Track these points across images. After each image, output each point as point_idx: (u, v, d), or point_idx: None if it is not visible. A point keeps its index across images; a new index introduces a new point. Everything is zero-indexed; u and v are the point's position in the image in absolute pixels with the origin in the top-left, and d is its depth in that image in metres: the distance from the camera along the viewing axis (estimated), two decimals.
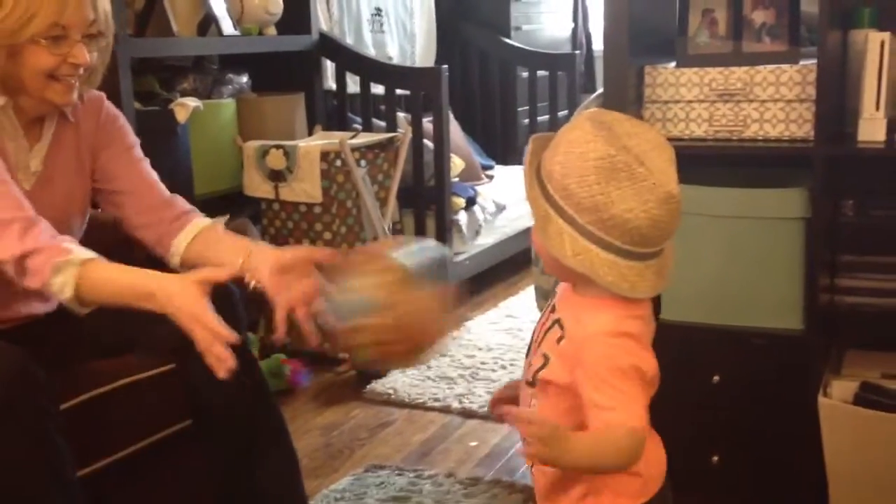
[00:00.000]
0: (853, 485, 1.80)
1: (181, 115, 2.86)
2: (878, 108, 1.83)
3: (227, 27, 3.12)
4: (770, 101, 1.93)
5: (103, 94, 1.86)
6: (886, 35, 1.83)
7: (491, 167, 4.37)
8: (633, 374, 1.20)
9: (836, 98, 1.93)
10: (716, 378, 1.99)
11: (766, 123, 1.94)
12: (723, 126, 1.97)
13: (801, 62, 1.92)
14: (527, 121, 4.76)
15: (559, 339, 1.25)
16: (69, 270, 1.56)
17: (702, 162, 2.13)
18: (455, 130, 3.99)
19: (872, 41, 1.84)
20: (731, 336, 1.97)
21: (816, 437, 1.81)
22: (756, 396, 1.96)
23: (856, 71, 1.91)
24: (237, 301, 1.91)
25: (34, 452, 1.53)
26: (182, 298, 1.55)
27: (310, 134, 3.34)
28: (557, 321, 1.27)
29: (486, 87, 4.78)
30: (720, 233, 1.97)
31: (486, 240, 3.79)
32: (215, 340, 1.52)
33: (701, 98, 1.99)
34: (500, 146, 4.73)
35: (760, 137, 1.94)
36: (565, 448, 1.16)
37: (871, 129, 1.83)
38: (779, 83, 1.91)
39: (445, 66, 3.48)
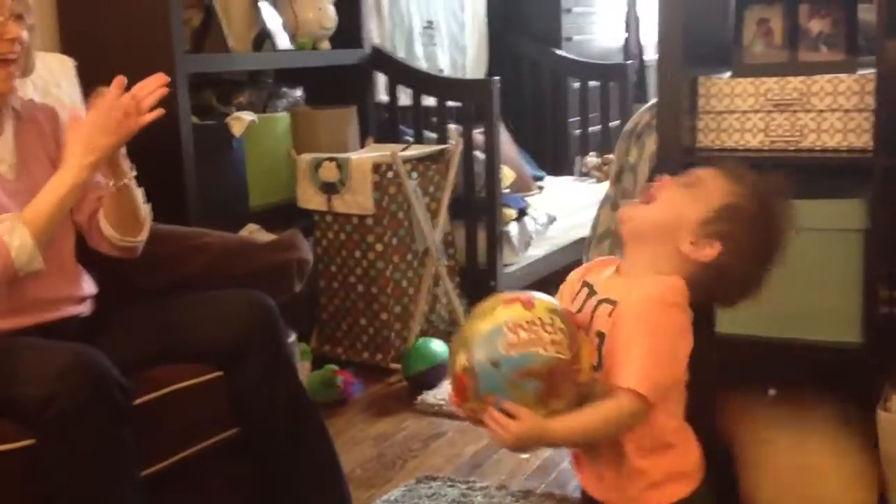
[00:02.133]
0: None
1: (237, 129, 2.91)
2: None
3: (282, 42, 3.17)
4: (828, 110, 1.89)
5: (55, 106, 1.98)
6: None
7: (542, 178, 4.36)
8: (666, 342, 1.26)
9: (895, 108, 1.89)
10: (771, 391, 1.96)
11: (823, 133, 1.91)
12: (779, 136, 1.94)
13: (859, 71, 1.89)
14: (578, 132, 4.75)
15: (610, 314, 1.26)
16: (15, 224, 1.68)
17: (758, 173, 2.11)
18: (506, 142, 4.00)
19: None
20: (788, 349, 1.94)
21: (875, 451, 1.77)
22: (811, 407, 1.92)
23: None
24: (276, 315, 1.95)
25: (110, 451, 1.60)
26: (79, 148, 1.73)
27: (362, 146, 3.37)
28: (605, 300, 1.29)
29: (537, 98, 4.78)
30: None
31: (537, 251, 3.78)
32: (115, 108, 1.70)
33: (756, 108, 1.96)
34: (552, 157, 4.72)
35: (818, 148, 1.91)
36: (543, 438, 1.26)
37: None
38: (836, 93, 1.88)
39: (497, 77, 3.49)
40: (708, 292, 1.37)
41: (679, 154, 2.00)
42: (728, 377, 2.01)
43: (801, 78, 1.91)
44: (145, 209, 1.94)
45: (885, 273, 1.89)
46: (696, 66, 2.01)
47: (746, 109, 1.97)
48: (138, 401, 1.71)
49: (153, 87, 1.76)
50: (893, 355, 1.96)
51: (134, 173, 1.88)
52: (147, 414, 1.73)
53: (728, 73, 2.02)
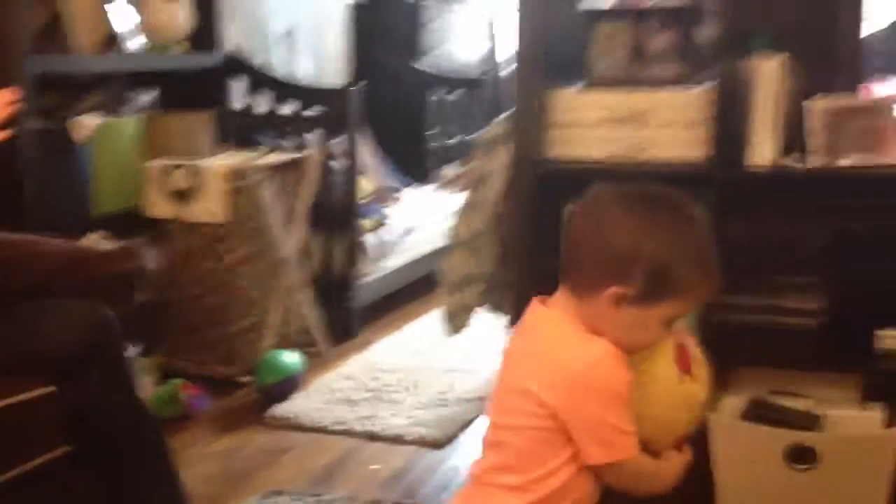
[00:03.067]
0: (741, 499, 1.84)
1: (80, 134, 2.78)
2: (768, 132, 1.88)
3: (134, 44, 3.06)
4: (668, 124, 1.97)
5: None
6: (778, 61, 1.90)
7: (401, 189, 4.37)
8: None
9: (734, 122, 1.98)
10: None
11: (664, 146, 1.98)
12: (623, 149, 2.01)
13: (700, 87, 1.97)
14: (437, 143, 4.79)
15: None
16: None
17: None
18: (368, 152, 3.98)
19: (766, 66, 1.91)
20: None
21: (705, 452, 1.84)
22: None
23: (750, 95, 1.96)
24: (113, 326, 1.87)
25: None
26: None
27: (217, 153, 3.28)
28: None
29: (397, 109, 4.79)
30: None
31: (394, 262, 3.78)
32: None
33: (601, 121, 2.03)
34: (411, 168, 4.73)
35: (660, 160, 1.98)
36: None
37: (762, 153, 1.89)
38: (676, 106, 1.96)
39: (355, 86, 3.47)
40: None
41: (531, 165, 2.05)
42: None
43: (645, 92, 1.99)
44: None
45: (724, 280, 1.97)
46: (552, 79, 2.06)
47: (590, 123, 2.03)
48: None
49: (1, 104, 1.65)
50: (727, 362, 2.04)
51: None
52: None
53: (577, 87, 2.08)
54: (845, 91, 1.94)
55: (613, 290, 1.17)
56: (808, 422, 1.83)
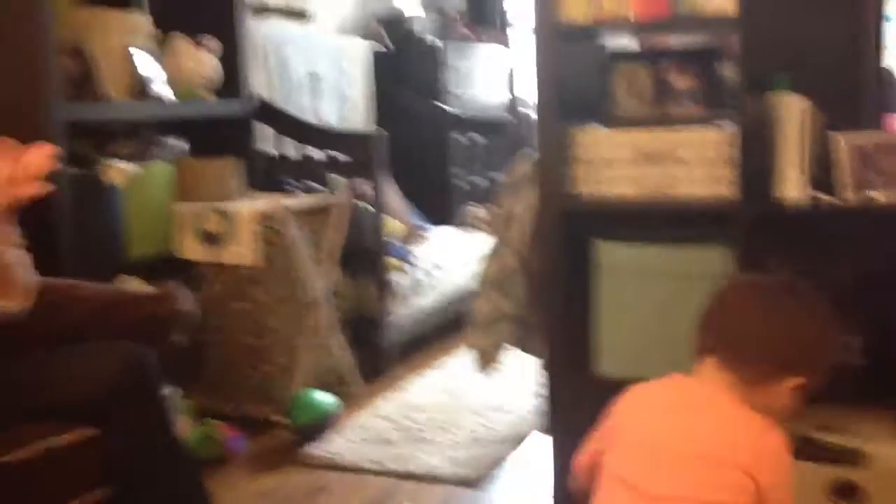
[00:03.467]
0: None
1: (116, 179, 2.84)
2: (798, 169, 1.90)
3: (162, 92, 3.13)
4: (694, 162, 2.00)
5: None
6: (804, 100, 1.92)
7: (427, 229, 4.40)
8: None
9: (759, 159, 2.01)
10: None
11: (691, 184, 2.00)
12: (650, 186, 2.03)
13: (723, 125, 2.00)
14: (462, 183, 4.83)
15: None
16: None
17: (628, 222, 2.20)
18: (391, 193, 4.03)
19: (794, 106, 1.93)
20: None
21: None
22: None
23: (775, 133, 1.99)
24: (150, 367, 1.90)
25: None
26: None
27: (246, 197, 3.33)
28: None
29: (421, 151, 4.84)
30: (649, 289, 2.02)
31: (424, 301, 3.80)
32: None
33: (628, 159, 2.05)
34: (436, 208, 4.78)
35: (685, 197, 2.00)
36: None
37: (792, 189, 1.91)
38: (701, 145, 1.98)
39: (383, 129, 3.53)
40: None
41: (557, 202, 2.07)
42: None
43: (670, 130, 2.01)
44: (29, 277, 1.86)
45: None
46: (571, 119, 2.09)
47: (619, 160, 2.06)
48: (5, 458, 1.63)
49: (42, 158, 1.71)
50: None
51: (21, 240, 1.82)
52: (16, 473, 1.65)
53: (600, 127, 2.11)
54: (869, 123, 1.96)
55: (796, 381, 1.28)
56: (852, 458, 1.82)
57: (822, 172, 1.92)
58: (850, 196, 1.82)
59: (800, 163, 1.89)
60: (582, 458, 1.46)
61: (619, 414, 1.38)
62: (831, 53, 2.09)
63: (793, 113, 1.89)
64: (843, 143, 1.84)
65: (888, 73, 2.12)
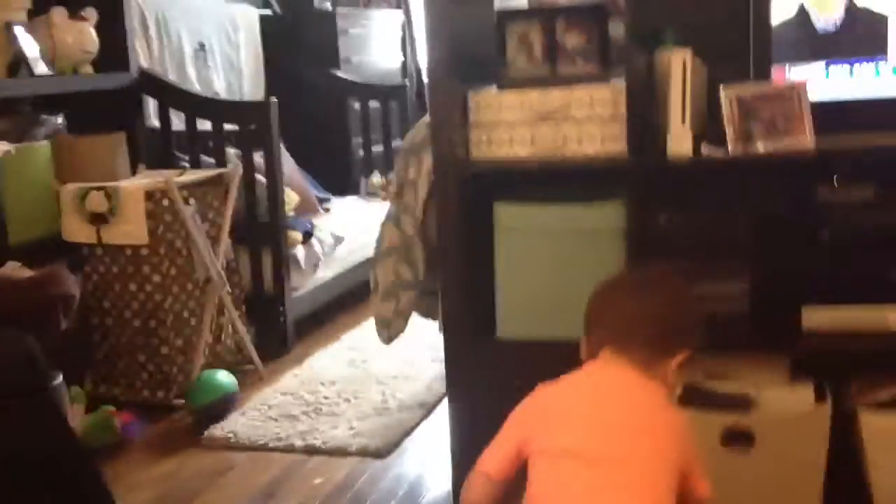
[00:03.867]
0: None
1: None
2: (683, 123, 1.92)
3: (40, 67, 2.98)
4: (586, 120, 1.99)
5: None
6: (688, 53, 1.93)
7: (328, 200, 4.34)
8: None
9: (646, 115, 2.01)
10: None
11: (584, 142, 2.00)
12: (544, 146, 2.02)
13: (613, 82, 2.00)
14: (361, 152, 4.77)
15: None
16: None
17: (527, 181, 2.19)
18: (289, 164, 3.94)
19: (676, 59, 1.94)
20: (566, 349, 2.00)
21: None
22: None
23: (663, 89, 2.00)
24: (36, 356, 1.82)
25: None
26: None
27: (133, 174, 3.21)
28: None
29: (318, 120, 4.75)
30: (548, 248, 2.02)
31: (326, 273, 3.74)
32: None
33: (523, 120, 2.03)
34: (336, 178, 4.71)
35: (580, 155, 2.00)
36: None
37: (679, 143, 1.92)
38: (593, 103, 1.98)
39: (274, 98, 3.44)
40: None
41: (454, 166, 2.04)
42: (512, 380, 2.07)
43: (561, 89, 2.00)
44: None
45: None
46: (465, 82, 2.06)
47: (513, 121, 2.04)
48: None
49: None
50: None
51: None
52: None
53: (494, 88, 2.08)
54: (758, 78, 1.98)
55: (683, 354, 1.43)
56: (742, 404, 1.86)
57: (714, 126, 1.94)
58: (734, 147, 1.85)
59: (683, 116, 1.90)
60: (500, 456, 1.42)
61: (542, 402, 1.45)
62: (719, 8, 2.10)
63: (676, 66, 1.90)
64: (726, 95, 1.86)
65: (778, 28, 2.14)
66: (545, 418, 1.41)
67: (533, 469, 1.38)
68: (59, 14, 3.09)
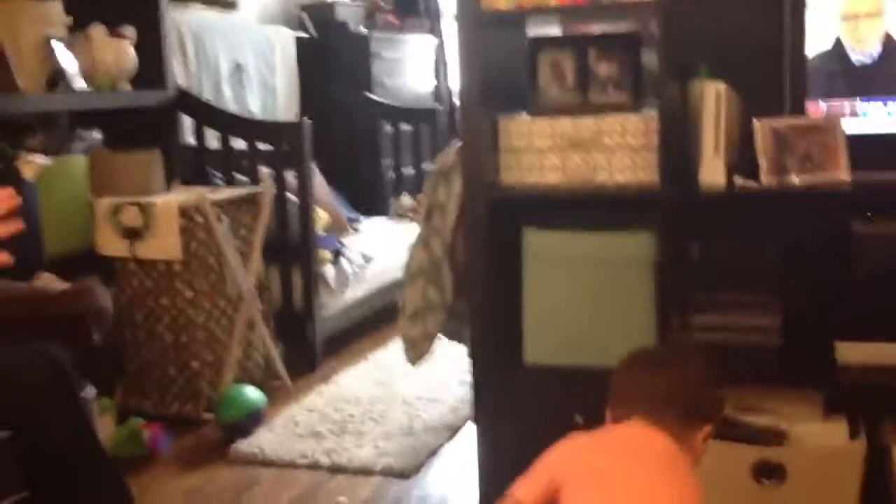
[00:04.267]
0: None
1: (28, 173, 2.74)
2: (717, 154, 1.92)
3: (78, 83, 3.03)
4: (617, 149, 2.00)
5: None
6: (721, 85, 1.94)
7: (358, 220, 4.37)
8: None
9: (678, 145, 2.02)
10: (579, 418, 2.02)
11: (614, 171, 2.01)
12: (575, 174, 2.03)
13: (645, 111, 2.01)
14: (392, 173, 4.80)
15: None
16: None
17: (557, 209, 2.20)
18: (320, 184, 3.97)
19: (710, 91, 1.95)
20: (592, 376, 2.00)
21: None
22: None
23: (696, 119, 2.01)
24: (67, 368, 1.85)
25: None
26: None
27: (168, 190, 3.25)
28: None
29: (350, 141, 4.80)
30: (576, 276, 2.02)
31: (355, 293, 3.76)
32: None
33: (553, 147, 2.05)
34: (367, 199, 4.74)
35: (610, 184, 2.01)
36: None
37: (712, 174, 1.93)
38: (624, 132, 1.99)
39: (307, 119, 3.48)
40: None
41: (484, 191, 2.06)
42: (537, 406, 2.07)
43: (593, 118, 2.01)
44: None
45: (677, 301, 2.00)
46: (497, 108, 2.08)
47: (544, 148, 2.05)
48: None
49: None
50: None
51: None
52: None
53: (525, 114, 2.10)
54: (794, 111, 1.99)
55: (709, 428, 1.46)
56: (774, 438, 1.85)
57: (747, 158, 1.94)
58: (768, 180, 1.85)
59: (717, 147, 1.91)
60: (534, 486, 1.44)
61: (578, 446, 1.46)
62: (753, 41, 2.11)
63: (709, 98, 1.90)
64: (761, 128, 1.86)
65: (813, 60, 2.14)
66: (581, 459, 1.43)
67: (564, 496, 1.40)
68: (97, 31, 3.15)
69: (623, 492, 1.35)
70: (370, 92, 4.75)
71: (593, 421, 2.00)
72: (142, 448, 2.67)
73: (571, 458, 1.43)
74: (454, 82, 5.46)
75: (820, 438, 1.86)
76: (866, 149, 1.89)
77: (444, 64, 5.48)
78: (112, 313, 2.45)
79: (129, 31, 3.24)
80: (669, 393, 1.45)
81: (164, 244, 2.93)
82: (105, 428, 2.60)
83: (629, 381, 1.50)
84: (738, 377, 1.99)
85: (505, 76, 2.16)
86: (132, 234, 2.96)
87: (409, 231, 4.05)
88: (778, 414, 1.91)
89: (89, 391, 2.51)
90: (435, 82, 5.42)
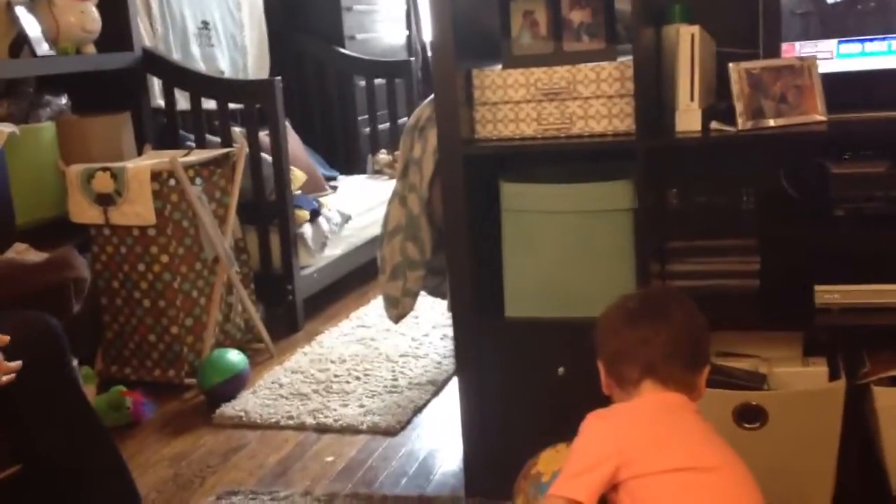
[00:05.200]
0: None
1: None
2: (692, 100, 1.90)
3: (42, 48, 2.96)
4: (593, 97, 1.97)
5: None
6: (696, 28, 1.91)
7: (334, 178, 4.33)
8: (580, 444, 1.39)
9: (654, 92, 2.00)
10: (561, 369, 2.02)
11: (590, 120, 1.98)
12: (550, 124, 2.00)
13: (620, 59, 1.98)
14: (368, 129, 4.75)
15: None
16: None
17: (534, 160, 2.17)
18: (294, 142, 3.93)
19: (684, 35, 1.92)
20: (573, 327, 2.00)
21: None
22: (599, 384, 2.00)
23: (671, 65, 1.98)
24: (60, 335, 1.83)
25: None
26: None
27: (139, 154, 3.20)
28: None
29: (324, 98, 4.74)
30: (555, 228, 2.00)
31: (334, 251, 3.74)
32: None
33: (528, 98, 2.02)
34: (343, 156, 4.70)
35: (586, 133, 1.98)
36: None
37: (688, 120, 1.91)
38: (599, 80, 1.96)
39: (279, 77, 3.42)
40: None
41: (459, 145, 2.03)
42: (519, 359, 2.07)
43: (567, 67, 1.98)
44: None
45: (655, 248, 1.99)
46: (469, 59, 2.04)
47: (519, 100, 2.02)
48: None
49: None
50: None
51: None
52: None
53: (500, 66, 2.06)
54: (769, 54, 1.96)
55: (708, 368, 1.48)
56: (755, 381, 1.86)
57: (724, 103, 1.92)
58: (744, 124, 1.83)
59: (692, 93, 1.88)
60: (593, 484, 1.35)
61: (622, 431, 1.40)
62: None
63: (685, 43, 1.88)
64: (735, 70, 1.83)
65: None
66: (637, 446, 1.37)
67: (639, 492, 1.34)
68: None
69: (711, 482, 1.34)
70: (342, 47, 4.67)
71: (575, 373, 2.01)
72: (126, 416, 2.66)
73: (629, 449, 1.36)
74: (427, 34, 5.39)
75: (800, 380, 1.87)
76: (842, 89, 1.87)
77: (417, 15, 5.40)
78: (89, 282, 2.43)
79: None
80: (675, 343, 1.43)
81: (138, 209, 2.89)
82: (88, 397, 2.58)
83: (630, 338, 1.46)
84: (718, 322, 2.00)
85: (478, 27, 2.12)
86: (105, 201, 2.92)
87: (387, 187, 4.02)
88: (758, 358, 1.92)
89: (74, 361, 2.49)
90: (407, 34, 5.34)
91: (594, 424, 1.43)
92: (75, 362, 2.48)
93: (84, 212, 2.95)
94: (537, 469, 1.62)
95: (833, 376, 1.87)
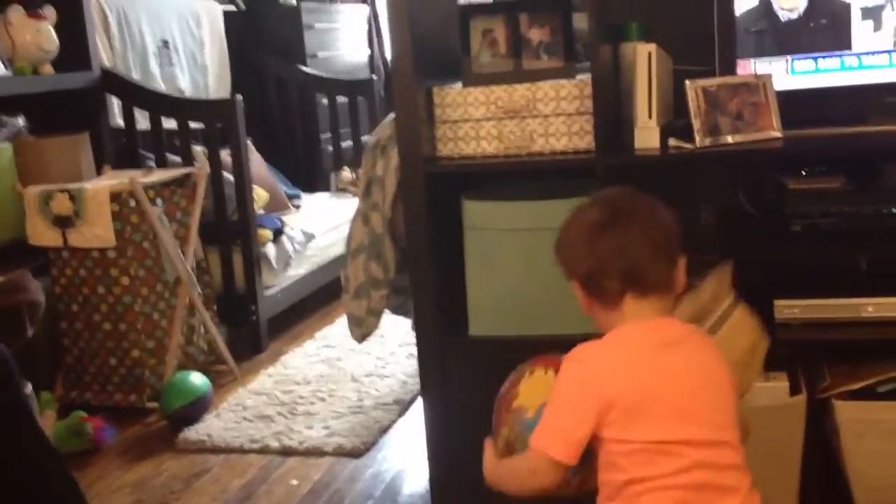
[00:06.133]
0: None
1: None
2: (650, 117, 1.91)
3: None
4: (552, 115, 1.98)
5: None
6: (653, 46, 1.93)
7: (297, 196, 4.30)
8: (559, 393, 1.36)
9: (613, 109, 2.01)
10: None
11: (550, 137, 1.99)
12: (511, 142, 2.01)
13: (579, 77, 1.99)
14: (330, 147, 4.73)
15: None
16: None
17: (496, 178, 2.17)
18: (256, 161, 3.90)
19: (641, 53, 1.93)
20: (537, 345, 1.99)
21: None
22: None
23: (629, 82, 1.99)
24: (10, 363, 1.79)
25: None
26: None
27: (98, 175, 3.16)
28: None
29: (286, 116, 4.72)
30: (518, 245, 2.00)
31: (298, 270, 3.72)
32: None
33: (489, 116, 2.02)
34: (305, 174, 4.68)
35: (547, 151, 1.99)
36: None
37: (647, 137, 1.92)
38: (559, 98, 1.97)
39: (240, 96, 3.40)
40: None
41: (420, 163, 2.03)
42: (484, 379, 2.06)
43: (527, 85, 1.99)
44: None
45: None
46: (430, 77, 2.04)
47: (479, 118, 2.02)
48: None
49: None
50: None
51: None
52: None
53: (460, 84, 2.06)
54: (724, 71, 1.98)
55: (683, 257, 1.42)
56: None
57: (681, 120, 1.94)
58: (702, 140, 1.84)
59: (650, 110, 1.90)
60: (572, 441, 1.33)
61: (609, 383, 1.33)
62: (683, 1, 2.10)
63: (641, 60, 1.89)
64: (692, 88, 1.85)
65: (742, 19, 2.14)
66: (625, 406, 1.31)
67: (634, 455, 1.31)
68: (15, 12, 3.04)
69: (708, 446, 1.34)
70: (304, 65, 4.67)
71: None
72: (86, 441, 2.62)
73: (615, 406, 1.30)
74: (388, 52, 5.40)
75: (761, 396, 1.87)
76: (797, 106, 1.90)
77: (379, 33, 5.41)
78: (46, 304, 2.39)
79: (49, 10, 3.14)
80: (652, 245, 1.37)
81: (97, 231, 2.85)
82: (47, 423, 2.53)
83: (604, 251, 1.38)
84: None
85: (438, 44, 2.12)
86: (63, 223, 2.87)
87: (350, 205, 4.00)
88: None
89: (28, 387, 2.44)
90: (369, 52, 5.35)
91: (573, 371, 1.36)
92: (29, 388, 2.45)
93: (42, 234, 2.90)
94: (519, 402, 1.50)
95: (794, 391, 1.88)
